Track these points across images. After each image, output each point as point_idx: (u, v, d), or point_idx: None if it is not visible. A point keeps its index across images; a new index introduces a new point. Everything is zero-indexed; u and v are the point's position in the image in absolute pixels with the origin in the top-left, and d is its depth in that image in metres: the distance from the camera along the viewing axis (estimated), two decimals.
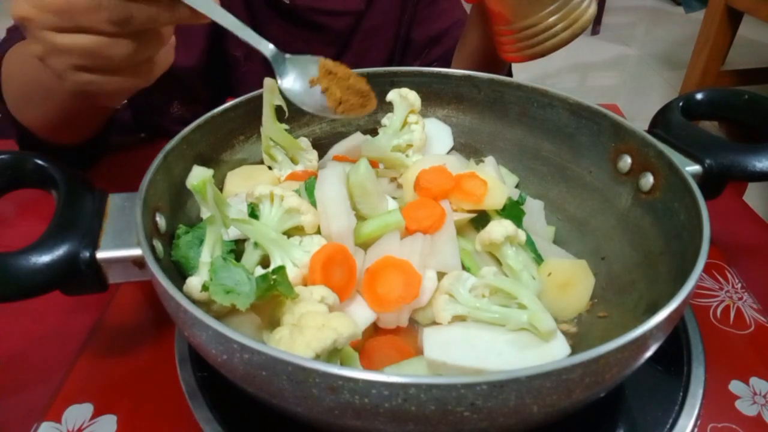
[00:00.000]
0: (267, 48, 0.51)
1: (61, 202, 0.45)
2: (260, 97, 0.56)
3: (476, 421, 0.31)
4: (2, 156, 0.47)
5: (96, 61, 0.46)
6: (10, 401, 0.49)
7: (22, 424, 0.47)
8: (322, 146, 0.66)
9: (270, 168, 0.60)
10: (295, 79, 0.53)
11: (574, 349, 0.45)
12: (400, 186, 0.60)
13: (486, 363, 0.43)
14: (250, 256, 0.48)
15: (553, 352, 0.44)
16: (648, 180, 0.52)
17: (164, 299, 0.38)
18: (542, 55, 0.66)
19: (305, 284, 0.47)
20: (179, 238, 0.48)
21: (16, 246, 0.42)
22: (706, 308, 0.58)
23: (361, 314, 0.48)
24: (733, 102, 0.61)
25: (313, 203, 0.50)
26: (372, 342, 0.48)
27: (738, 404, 0.49)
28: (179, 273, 0.47)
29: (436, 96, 0.67)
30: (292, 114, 0.57)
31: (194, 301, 0.41)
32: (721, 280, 0.62)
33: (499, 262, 0.52)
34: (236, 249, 0.48)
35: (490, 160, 0.62)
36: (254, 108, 0.58)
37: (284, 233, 0.49)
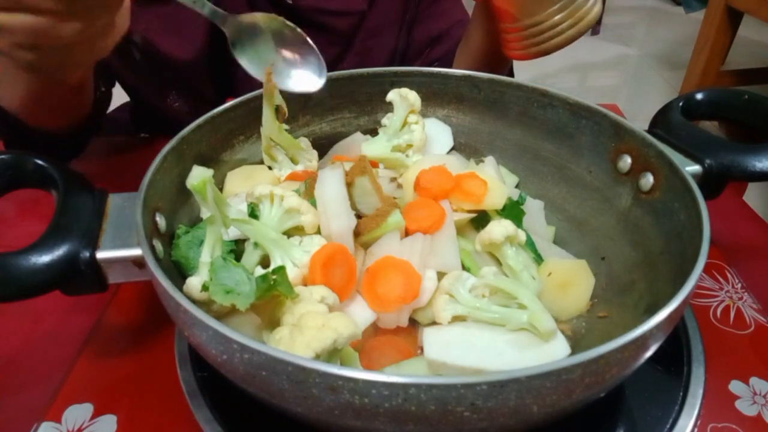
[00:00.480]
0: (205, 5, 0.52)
1: (61, 202, 0.45)
2: (260, 97, 0.56)
3: (476, 421, 0.31)
4: (2, 156, 0.47)
5: (44, 39, 0.45)
6: (10, 401, 0.49)
7: (22, 424, 0.47)
8: (322, 146, 0.66)
9: (270, 168, 0.61)
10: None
11: (574, 349, 0.45)
12: (400, 186, 0.60)
13: (486, 363, 0.43)
14: (250, 256, 0.48)
15: (553, 352, 0.44)
16: (648, 180, 0.52)
17: (164, 299, 0.38)
18: (547, 52, 0.66)
19: (305, 284, 0.47)
20: (179, 238, 0.48)
21: (16, 246, 0.42)
22: (706, 308, 0.58)
23: (361, 314, 0.48)
24: (733, 102, 0.61)
25: (313, 203, 0.50)
26: (372, 342, 0.49)
27: (738, 404, 0.49)
28: (179, 273, 0.47)
29: (436, 96, 0.67)
30: (292, 114, 0.57)
31: (194, 301, 0.41)
32: (721, 280, 0.62)
33: (499, 262, 0.52)
34: (236, 249, 0.48)
35: (490, 160, 0.62)
36: (254, 108, 0.58)
37: (284, 233, 0.49)
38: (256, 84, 0.57)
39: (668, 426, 0.45)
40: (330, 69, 0.60)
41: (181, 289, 0.41)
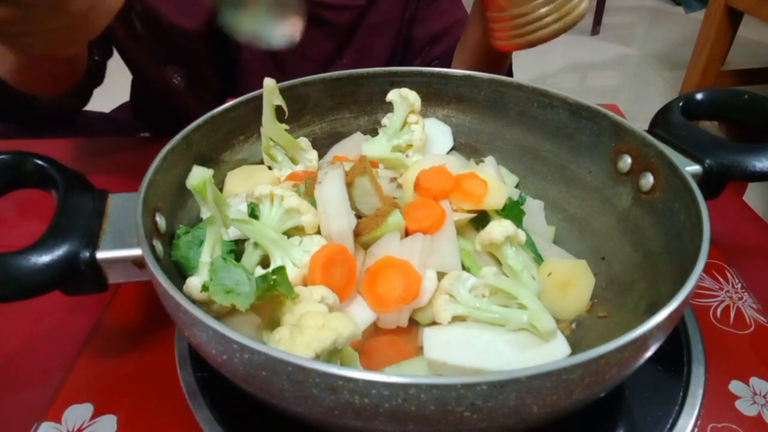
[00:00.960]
0: None
1: (61, 202, 0.45)
2: (260, 97, 0.56)
3: (476, 421, 0.31)
4: (2, 156, 0.47)
5: (20, 27, 0.43)
6: (10, 401, 0.49)
7: (22, 424, 0.47)
8: (322, 146, 0.66)
9: (270, 168, 0.61)
10: None
11: (574, 349, 0.45)
12: (400, 186, 0.60)
13: (486, 363, 0.43)
14: (250, 256, 0.48)
15: (553, 352, 0.44)
16: (648, 180, 0.52)
17: (164, 299, 0.38)
18: (532, 44, 0.67)
19: (305, 284, 0.47)
20: (179, 238, 0.48)
21: (16, 246, 0.42)
22: (706, 308, 0.58)
23: (361, 314, 0.48)
24: (733, 102, 0.61)
25: (313, 203, 0.50)
26: (372, 342, 0.49)
27: (738, 404, 0.49)
28: (179, 273, 0.47)
29: (436, 96, 0.67)
30: (292, 114, 0.57)
31: (194, 301, 0.41)
32: (721, 280, 0.62)
33: (499, 262, 0.52)
34: (236, 249, 0.48)
35: (490, 160, 0.62)
36: (254, 108, 0.58)
37: (284, 233, 0.49)
38: (257, 75, 0.56)
39: (668, 426, 0.45)
40: (328, 64, 0.59)
41: (181, 289, 0.41)
